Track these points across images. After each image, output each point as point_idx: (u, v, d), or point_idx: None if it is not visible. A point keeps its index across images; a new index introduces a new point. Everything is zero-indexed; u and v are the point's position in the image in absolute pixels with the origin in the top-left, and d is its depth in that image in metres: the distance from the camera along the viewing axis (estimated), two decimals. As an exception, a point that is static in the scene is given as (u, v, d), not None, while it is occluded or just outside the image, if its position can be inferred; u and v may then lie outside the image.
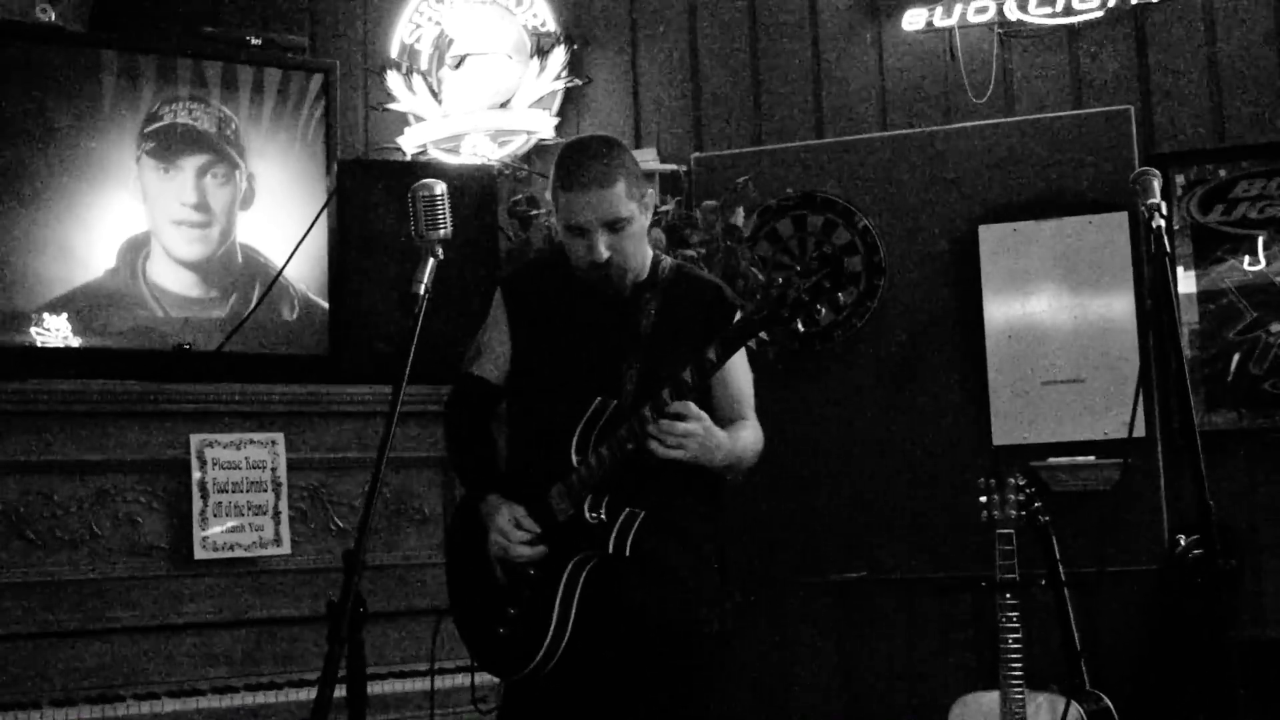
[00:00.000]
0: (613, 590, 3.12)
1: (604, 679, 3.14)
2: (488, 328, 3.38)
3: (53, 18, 4.98)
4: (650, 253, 3.29)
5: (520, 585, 3.16)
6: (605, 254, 3.11)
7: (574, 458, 3.09)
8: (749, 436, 3.24)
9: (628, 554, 3.03)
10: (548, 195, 3.27)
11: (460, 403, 3.42)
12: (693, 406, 3.02)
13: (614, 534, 3.04)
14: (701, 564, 3.23)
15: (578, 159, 3.14)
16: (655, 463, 3.03)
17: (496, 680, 3.37)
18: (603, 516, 3.06)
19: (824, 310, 2.86)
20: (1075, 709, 4.04)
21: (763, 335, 4.99)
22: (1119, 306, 5.14)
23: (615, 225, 3.11)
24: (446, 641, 3.54)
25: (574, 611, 3.09)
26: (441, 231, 2.96)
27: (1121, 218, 5.13)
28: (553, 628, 3.08)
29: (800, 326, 2.94)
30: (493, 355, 3.34)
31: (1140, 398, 4.35)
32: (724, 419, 3.19)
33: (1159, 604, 4.71)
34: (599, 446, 3.06)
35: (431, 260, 2.94)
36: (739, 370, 3.24)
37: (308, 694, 3.87)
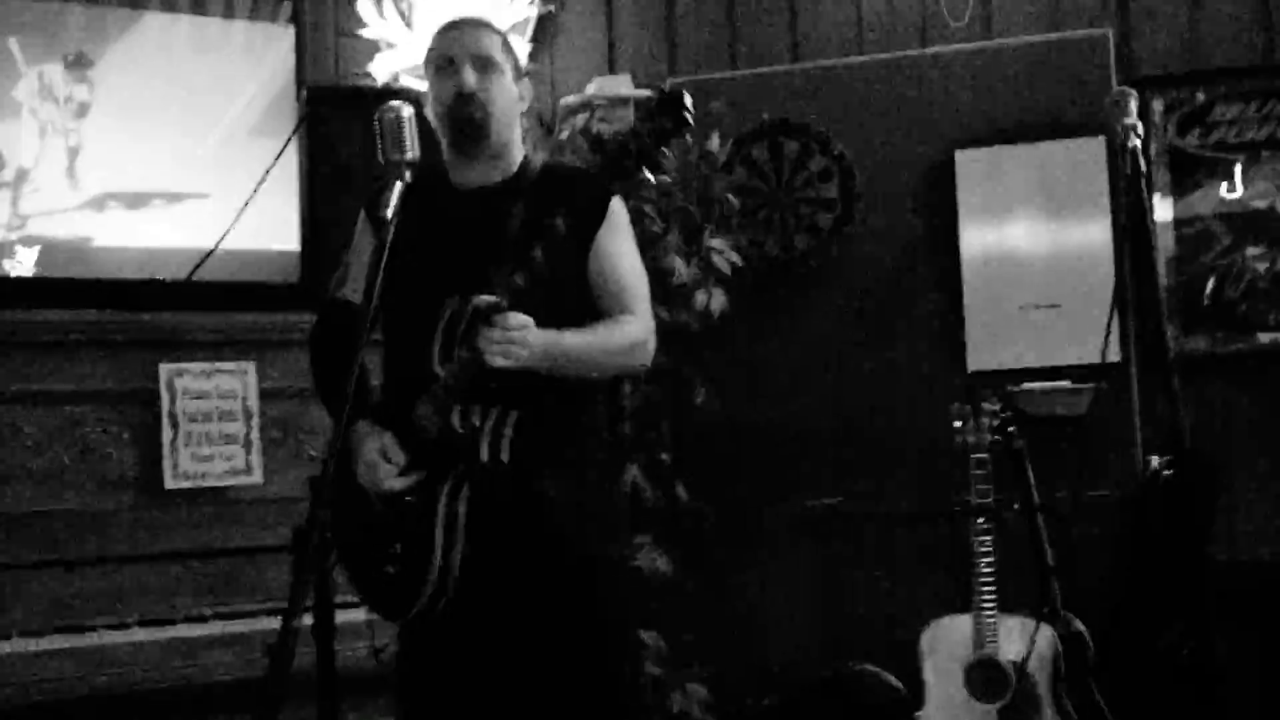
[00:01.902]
0: (496, 515, 2.92)
1: (498, 614, 2.96)
2: (352, 250, 3.24)
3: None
4: (518, 137, 3.17)
5: (401, 518, 2.94)
6: (472, 83, 3.04)
7: (437, 366, 2.89)
8: (620, 336, 3.04)
9: (504, 460, 2.86)
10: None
11: (325, 329, 3.24)
12: (516, 318, 2.81)
13: (485, 440, 2.86)
14: (590, 469, 3.08)
15: (453, 19, 3.20)
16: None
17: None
18: (474, 423, 2.87)
19: (670, 154, 2.79)
20: (1046, 630, 4.06)
21: (734, 258, 4.98)
22: (1096, 231, 5.10)
23: (484, 64, 3.07)
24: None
25: (460, 541, 2.88)
26: (408, 155, 2.89)
27: (1099, 143, 5.07)
28: (436, 564, 2.87)
29: (650, 175, 2.87)
30: (359, 277, 3.05)
31: (1114, 321, 4.34)
32: (607, 312, 3.06)
33: (1133, 527, 4.72)
34: (460, 349, 2.84)
35: (399, 185, 2.84)
36: (622, 261, 3.08)
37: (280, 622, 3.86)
